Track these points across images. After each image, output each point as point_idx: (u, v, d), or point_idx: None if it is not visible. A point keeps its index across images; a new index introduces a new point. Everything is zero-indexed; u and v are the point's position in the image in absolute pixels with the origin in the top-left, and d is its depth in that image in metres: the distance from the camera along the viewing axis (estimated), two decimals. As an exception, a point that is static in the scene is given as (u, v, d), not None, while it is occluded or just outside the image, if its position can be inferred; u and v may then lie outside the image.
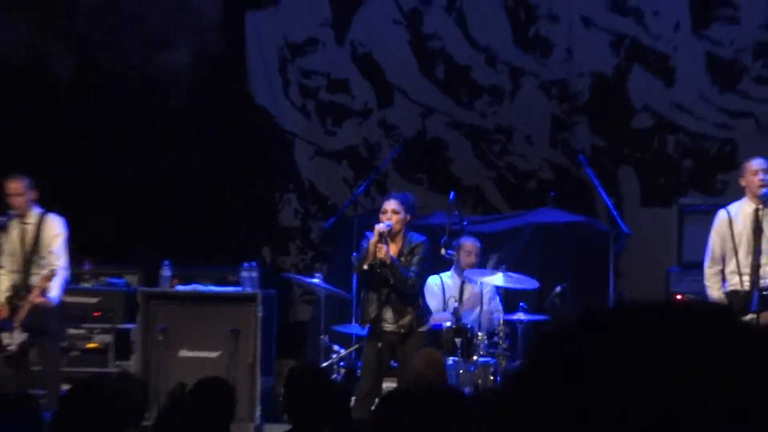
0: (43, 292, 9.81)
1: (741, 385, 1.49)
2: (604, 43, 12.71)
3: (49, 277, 9.78)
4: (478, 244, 10.75)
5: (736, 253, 8.79)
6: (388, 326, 9.38)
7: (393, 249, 9.38)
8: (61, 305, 10.02)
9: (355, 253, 9.56)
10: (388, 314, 9.40)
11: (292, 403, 6.05)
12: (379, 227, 9.21)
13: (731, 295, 8.90)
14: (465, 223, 10.97)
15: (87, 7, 13.32)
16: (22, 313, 9.76)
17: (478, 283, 10.59)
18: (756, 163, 8.97)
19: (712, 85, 12.50)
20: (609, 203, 11.45)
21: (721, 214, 9.06)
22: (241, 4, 13.33)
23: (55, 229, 9.96)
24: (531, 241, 11.70)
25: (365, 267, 9.45)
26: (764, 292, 8.77)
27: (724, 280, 9.04)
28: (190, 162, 13.03)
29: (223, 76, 13.33)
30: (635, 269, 12.30)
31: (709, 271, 9.04)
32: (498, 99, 12.95)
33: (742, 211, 8.91)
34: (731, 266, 8.85)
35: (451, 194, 10.75)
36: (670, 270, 11.29)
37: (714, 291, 9.01)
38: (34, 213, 9.96)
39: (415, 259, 9.36)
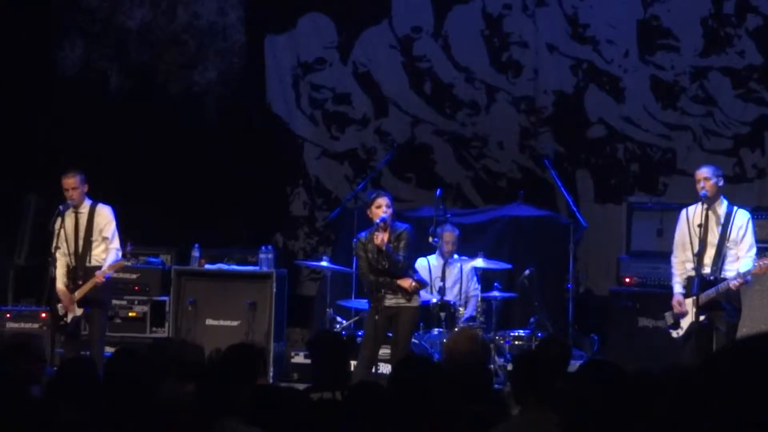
0: (99, 269, 9.67)
1: None
2: (565, 66, 12.68)
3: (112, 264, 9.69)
4: (456, 233, 10.72)
5: (691, 245, 8.78)
6: (387, 301, 9.27)
7: (384, 237, 9.35)
8: (108, 280, 9.69)
9: (354, 240, 9.53)
10: (386, 291, 9.31)
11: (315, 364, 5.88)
12: (380, 228, 9.20)
13: (687, 280, 8.89)
14: (449, 215, 10.95)
15: (136, 30, 13.26)
16: (81, 292, 9.58)
17: (459, 265, 10.60)
18: (698, 172, 8.94)
19: (656, 102, 12.47)
20: (569, 200, 11.50)
21: (683, 213, 8.97)
22: (261, 29, 13.28)
23: (107, 216, 9.78)
24: (503, 231, 11.71)
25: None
26: (707, 278, 8.75)
27: None
28: (217, 161, 12.98)
29: (246, 89, 13.28)
30: (590, 256, 12.28)
31: (674, 260, 8.99)
32: (476, 111, 12.91)
33: (696, 210, 8.88)
34: (687, 256, 8.82)
35: (438, 191, 10.74)
36: (620, 257, 11.26)
37: (676, 275, 9.00)
38: (87, 203, 9.76)
39: (402, 244, 9.25)
